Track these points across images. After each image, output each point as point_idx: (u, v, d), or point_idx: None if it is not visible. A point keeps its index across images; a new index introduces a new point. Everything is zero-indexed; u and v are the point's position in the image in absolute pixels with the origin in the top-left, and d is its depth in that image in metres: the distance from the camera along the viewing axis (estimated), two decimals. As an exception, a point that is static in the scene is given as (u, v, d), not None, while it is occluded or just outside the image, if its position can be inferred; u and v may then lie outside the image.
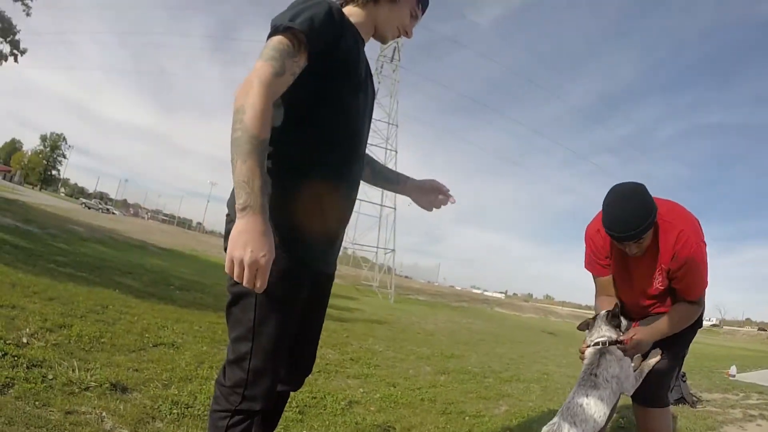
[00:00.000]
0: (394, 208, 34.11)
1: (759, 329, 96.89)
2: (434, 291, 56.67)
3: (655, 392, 2.69)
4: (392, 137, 35.30)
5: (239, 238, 1.37)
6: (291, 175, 1.60)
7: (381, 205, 34.37)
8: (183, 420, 2.75)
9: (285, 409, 3.07)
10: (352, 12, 1.78)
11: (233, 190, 1.46)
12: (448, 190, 2.22)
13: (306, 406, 3.43)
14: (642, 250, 2.45)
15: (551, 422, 2.31)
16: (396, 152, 35.03)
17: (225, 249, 1.44)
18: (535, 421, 4.41)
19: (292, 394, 3.40)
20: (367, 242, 35.49)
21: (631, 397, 2.75)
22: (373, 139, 33.97)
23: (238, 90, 1.44)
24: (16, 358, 2.98)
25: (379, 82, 36.07)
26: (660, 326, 2.60)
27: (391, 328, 11.17)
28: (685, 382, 6.58)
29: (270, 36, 1.52)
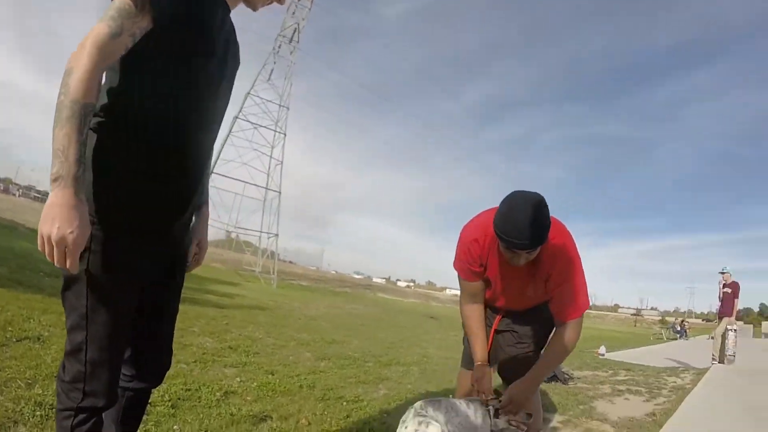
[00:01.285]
0: (279, 192, 33.73)
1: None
2: (317, 276, 56.75)
3: (522, 375, 2.80)
4: (282, 120, 34.86)
5: (48, 213, 1.28)
6: (122, 144, 1.49)
7: (266, 188, 33.82)
8: (47, 423, 2.57)
9: (157, 403, 3.00)
10: None
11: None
12: (194, 266, 1.98)
13: (179, 399, 3.32)
14: (525, 261, 2.45)
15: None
16: (285, 135, 34.61)
17: None
18: (412, 403, 4.54)
19: (165, 387, 3.32)
20: (250, 226, 34.89)
21: (502, 379, 2.96)
22: (262, 120, 33.54)
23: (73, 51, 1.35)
24: None
25: (274, 62, 35.90)
26: (537, 371, 2.65)
27: (273, 314, 11.11)
28: (556, 361, 7.08)
29: None
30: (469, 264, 2.69)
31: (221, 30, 1.68)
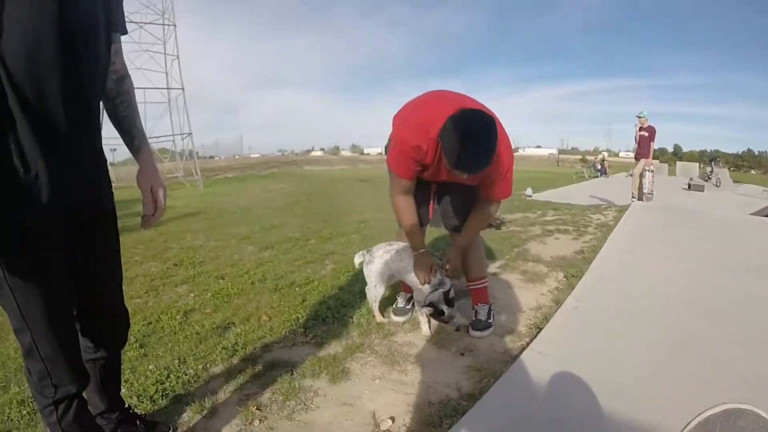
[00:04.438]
0: (182, 89, 31.37)
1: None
2: (241, 164, 55.60)
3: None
4: (168, 10, 31.54)
5: None
6: None
7: (168, 88, 31.52)
8: (36, 417, 2.39)
9: (125, 349, 3.01)
10: None
11: None
12: (157, 214, 1.86)
13: (144, 335, 3.38)
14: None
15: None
16: (175, 26, 31.60)
17: None
18: (360, 271, 4.80)
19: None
20: (161, 132, 33.10)
21: (450, 229, 3.36)
22: (146, 16, 30.24)
23: None
24: None
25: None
26: (464, 241, 3.13)
27: (207, 216, 11.02)
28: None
29: None
30: (408, 167, 2.82)
31: None
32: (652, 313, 3.64)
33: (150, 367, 2.85)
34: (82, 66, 1.42)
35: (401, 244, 3.34)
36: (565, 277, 4.68)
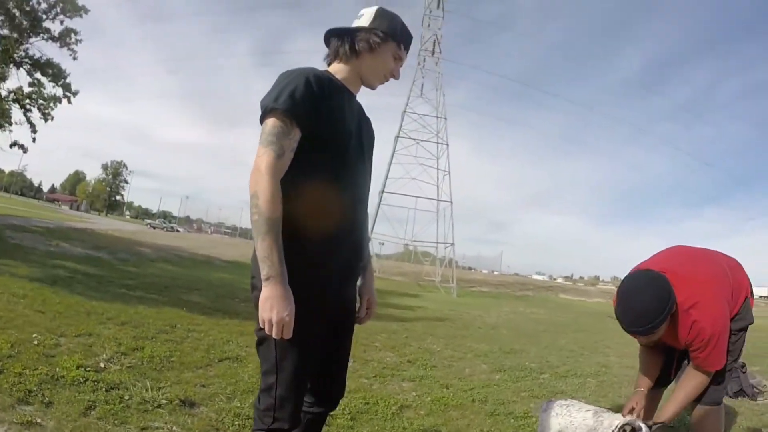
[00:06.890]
0: (451, 202, 34.43)
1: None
2: (498, 281, 55.53)
3: (707, 390, 2.74)
4: (442, 130, 35.82)
5: (266, 303, 1.67)
6: (296, 236, 1.79)
7: (437, 200, 34.69)
8: (244, 431, 3.02)
9: (338, 415, 3.35)
10: (338, 69, 2.04)
11: (254, 256, 1.76)
12: (366, 318, 2.31)
13: (358, 412, 3.59)
14: (653, 341, 2.62)
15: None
16: (447, 145, 35.44)
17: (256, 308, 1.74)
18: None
19: (346, 401, 3.66)
20: (426, 237, 35.93)
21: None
22: (422, 134, 34.73)
23: (250, 177, 1.73)
24: (95, 383, 3.35)
25: (423, 77, 37.05)
26: (669, 411, 2.74)
27: (452, 324, 11.23)
28: (745, 372, 5.95)
29: (262, 118, 1.79)
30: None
31: (352, 114, 2.04)
32: None
33: (353, 440, 2.99)
34: (363, 217, 2.12)
35: (577, 404, 3.11)
36: None
